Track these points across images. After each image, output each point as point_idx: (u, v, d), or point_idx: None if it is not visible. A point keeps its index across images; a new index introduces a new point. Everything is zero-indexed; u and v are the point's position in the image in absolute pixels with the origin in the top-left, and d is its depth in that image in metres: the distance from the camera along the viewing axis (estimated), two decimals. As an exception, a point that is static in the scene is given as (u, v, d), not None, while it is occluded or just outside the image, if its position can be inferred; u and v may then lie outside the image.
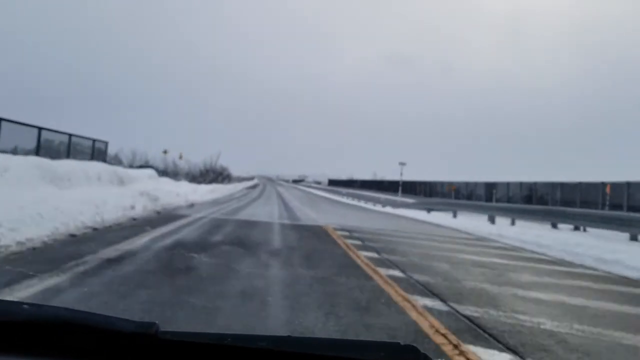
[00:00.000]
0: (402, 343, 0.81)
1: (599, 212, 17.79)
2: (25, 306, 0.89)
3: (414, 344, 0.78)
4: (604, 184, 22.09)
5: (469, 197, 34.29)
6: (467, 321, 4.26)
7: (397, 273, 6.35)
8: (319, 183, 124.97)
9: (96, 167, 16.93)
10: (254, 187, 71.43)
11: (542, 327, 4.19)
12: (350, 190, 54.21)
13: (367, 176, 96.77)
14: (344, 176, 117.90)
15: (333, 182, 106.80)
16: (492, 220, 18.75)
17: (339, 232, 11.20)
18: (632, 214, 14.63)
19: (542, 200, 25.41)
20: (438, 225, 16.63)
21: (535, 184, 27.57)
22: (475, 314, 4.48)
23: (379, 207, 29.34)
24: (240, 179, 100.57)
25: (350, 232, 11.40)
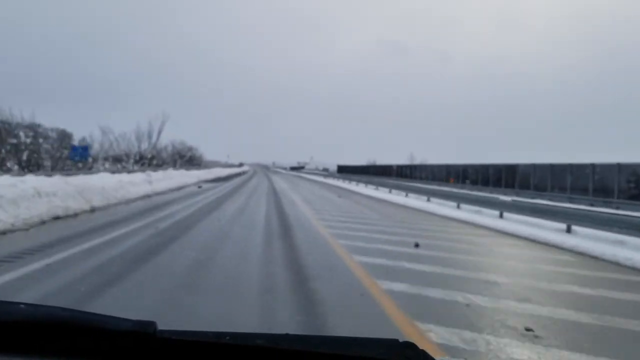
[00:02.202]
0: (400, 340, 0.84)
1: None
2: (21, 306, 0.92)
3: (413, 342, 0.81)
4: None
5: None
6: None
7: None
8: (326, 170, 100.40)
9: None
10: (228, 178, 42.82)
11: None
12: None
13: (396, 160, 68.94)
14: (353, 161, 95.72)
15: (344, 169, 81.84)
16: None
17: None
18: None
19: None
20: None
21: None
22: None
23: None
24: (217, 165, 76.94)
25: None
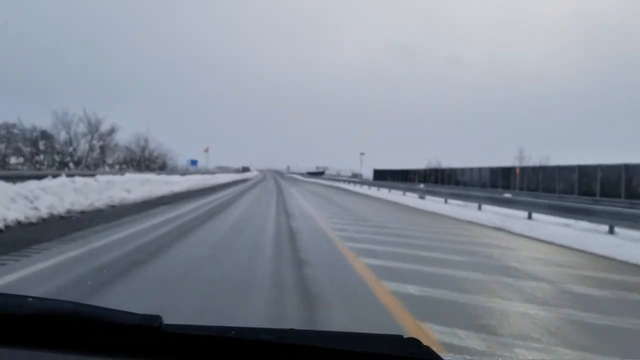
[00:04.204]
0: (404, 336, 0.86)
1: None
2: (29, 299, 0.96)
3: (417, 338, 0.83)
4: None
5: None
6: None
7: None
8: (356, 176, 75.95)
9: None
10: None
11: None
12: None
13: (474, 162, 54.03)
14: (374, 167, 71.75)
15: (386, 175, 60.81)
16: None
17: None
18: None
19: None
20: None
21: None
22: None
23: None
24: (228, 171, 69.78)
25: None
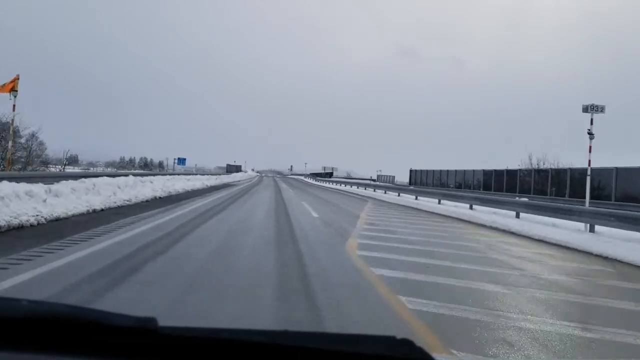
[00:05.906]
0: (397, 337, 0.86)
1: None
2: (24, 302, 0.96)
3: (410, 339, 0.84)
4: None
5: None
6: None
7: None
8: (385, 180, 65.99)
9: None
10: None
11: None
12: None
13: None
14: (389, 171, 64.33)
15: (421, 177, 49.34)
16: None
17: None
18: None
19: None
20: None
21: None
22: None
23: None
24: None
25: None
